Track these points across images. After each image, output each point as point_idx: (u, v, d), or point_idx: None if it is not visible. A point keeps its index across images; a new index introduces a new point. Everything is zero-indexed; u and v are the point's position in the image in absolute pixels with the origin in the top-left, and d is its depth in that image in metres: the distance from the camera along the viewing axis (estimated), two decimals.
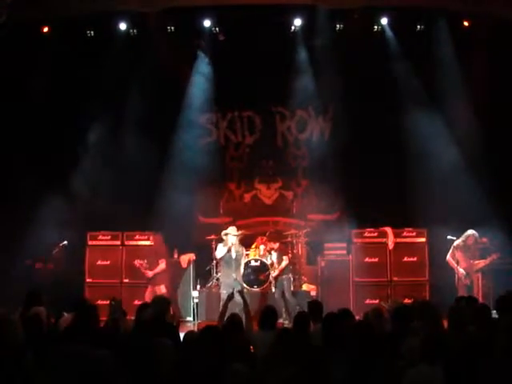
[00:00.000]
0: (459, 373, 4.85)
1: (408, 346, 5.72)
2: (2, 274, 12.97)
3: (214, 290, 13.68)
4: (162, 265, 12.95)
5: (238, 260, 12.04)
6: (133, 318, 7.92)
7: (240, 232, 12.30)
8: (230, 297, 10.28)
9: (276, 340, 5.89)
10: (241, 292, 11.01)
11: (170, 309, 8.87)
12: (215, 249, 13.97)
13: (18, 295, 10.90)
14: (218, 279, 13.79)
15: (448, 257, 12.81)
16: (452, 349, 5.23)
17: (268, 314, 7.36)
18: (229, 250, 11.91)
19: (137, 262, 12.87)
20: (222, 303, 11.25)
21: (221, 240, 12.28)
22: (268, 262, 13.48)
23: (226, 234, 12.04)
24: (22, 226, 13.30)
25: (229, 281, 11.83)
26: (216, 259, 13.04)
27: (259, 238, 14.19)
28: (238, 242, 12.07)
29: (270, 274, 13.39)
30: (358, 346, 5.45)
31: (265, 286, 13.41)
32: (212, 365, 5.32)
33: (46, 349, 5.68)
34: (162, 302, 7.94)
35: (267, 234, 14.23)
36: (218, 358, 5.43)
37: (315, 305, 7.88)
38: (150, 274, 12.84)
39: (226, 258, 11.97)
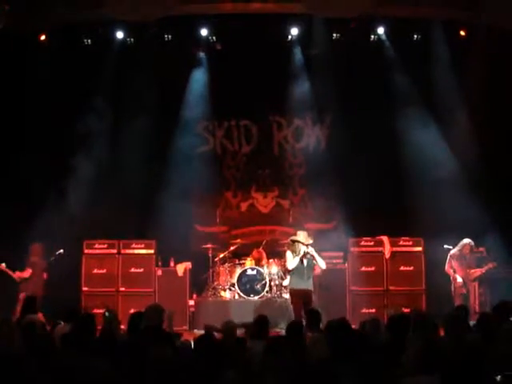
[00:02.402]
0: (457, 382, 4.83)
1: (407, 356, 5.70)
2: None
3: (210, 298, 13.66)
4: (26, 273, 12.79)
5: (310, 268, 11.30)
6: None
7: (312, 241, 11.40)
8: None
9: (266, 349, 5.87)
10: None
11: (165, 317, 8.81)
12: (212, 257, 14.05)
13: (14, 303, 10.91)
14: (214, 288, 13.79)
15: (446, 267, 12.80)
16: (450, 358, 5.22)
17: (259, 324, 7.33)
18: (302, 259, 11.16)
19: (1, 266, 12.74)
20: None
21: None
22: (265, 271, 13.50)
23: (295, 241, 11.33)
24: (19, 234, 13.26)
25: (299, 287, 11.24)
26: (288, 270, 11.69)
27: (255, 250, 14.18)
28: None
29: (266, 283, 13.39)
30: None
31: (261, 295, 13.39)
32: (207, 373, 5.31)
33: (42, 357, 5.66)
34: (156, 311, 7.89)
35: (263, 243, 14.27)
36: (213, 366, 5.41)
37: (314, 314, 7.85)
38: (15, 275, 12.76)
39: (298, 266, 11.21)
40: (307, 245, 11.17)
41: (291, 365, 5.59)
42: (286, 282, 13.10)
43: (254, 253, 14.07)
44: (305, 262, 11.17)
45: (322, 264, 11.41)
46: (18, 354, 5.61)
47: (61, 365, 5.33)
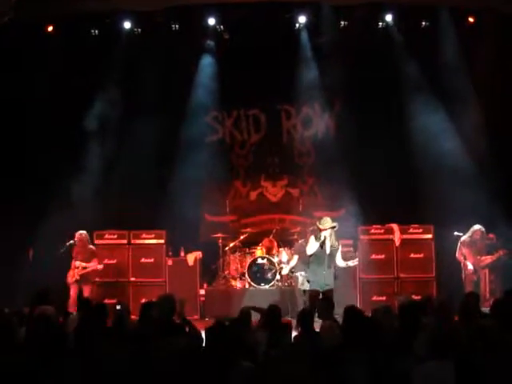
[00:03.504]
0: (470, 368, 4.83)
1: (420, 342, 5.70)
2: (10, 274, 12.97)
3: (220, 287, 13.68)
4: (95, 264, 12.84)
5: (332, 256, 10.79)
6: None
7: (335, 224, 10.84)
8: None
9: (271, 338, 5.87)
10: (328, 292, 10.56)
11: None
12: (222, 247, 14.06)
13: (26, 295, 10.94)
14: (224, 277, 13.81)
15: (457, 254, 12.78)
16: (462, 344, 5.22)
17: (271, 313, 7.33)
18: (322, 245, 10.69)
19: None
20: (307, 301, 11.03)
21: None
22: (276, 260, 13.52)
23: (316, 227, 10.89)
24: (29, 227, 13.31)
25: (318, 279, 10.74)
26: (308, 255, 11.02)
27: (266, 239, 14.18)
28: (333, 235, 10.79)
29: (276, 272, 13.40)
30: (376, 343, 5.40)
31: (272, 284, 13.41)
32: (220, 362, 5.32)
33: (54, 348, 5.68)
34: (168, 301, 7.88)
35: (273, 231, 14.27)
36: (225, 355, 5.42)
37: (326, 302, 7.85)
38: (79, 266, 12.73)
39: (318, 253, 10.70)
40: (329, 228, 10.68)
41: (300, 352, 5.60)
42: (284, 271, 13.15)
43: (265, 242, 14.08)
44: (327, 249, 10.72)
45: (339, 261, 10.99)
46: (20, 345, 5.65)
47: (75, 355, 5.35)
